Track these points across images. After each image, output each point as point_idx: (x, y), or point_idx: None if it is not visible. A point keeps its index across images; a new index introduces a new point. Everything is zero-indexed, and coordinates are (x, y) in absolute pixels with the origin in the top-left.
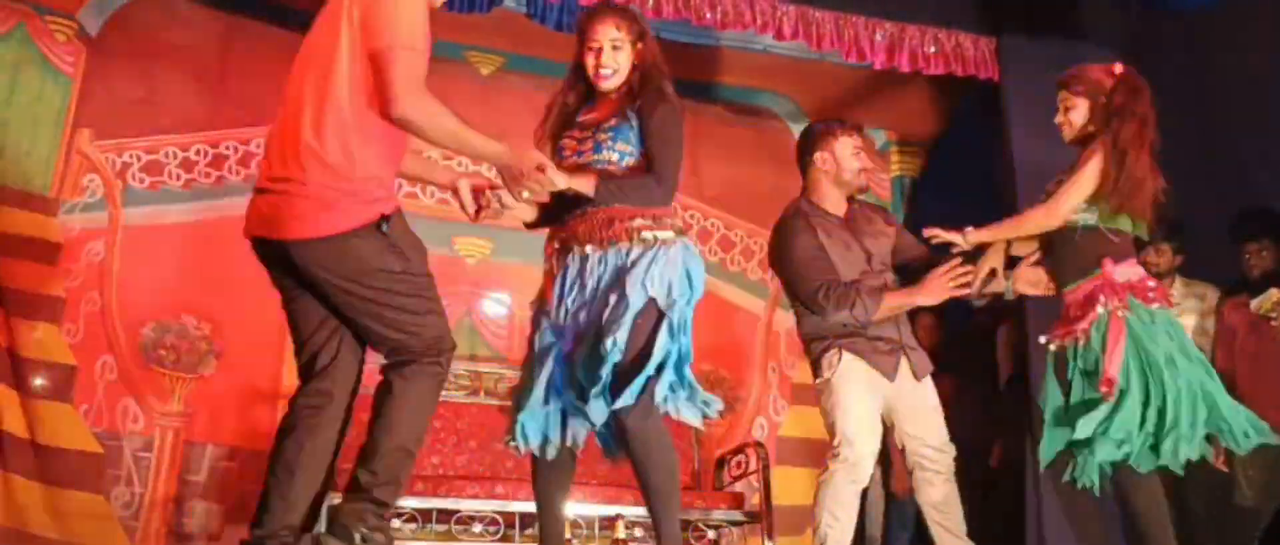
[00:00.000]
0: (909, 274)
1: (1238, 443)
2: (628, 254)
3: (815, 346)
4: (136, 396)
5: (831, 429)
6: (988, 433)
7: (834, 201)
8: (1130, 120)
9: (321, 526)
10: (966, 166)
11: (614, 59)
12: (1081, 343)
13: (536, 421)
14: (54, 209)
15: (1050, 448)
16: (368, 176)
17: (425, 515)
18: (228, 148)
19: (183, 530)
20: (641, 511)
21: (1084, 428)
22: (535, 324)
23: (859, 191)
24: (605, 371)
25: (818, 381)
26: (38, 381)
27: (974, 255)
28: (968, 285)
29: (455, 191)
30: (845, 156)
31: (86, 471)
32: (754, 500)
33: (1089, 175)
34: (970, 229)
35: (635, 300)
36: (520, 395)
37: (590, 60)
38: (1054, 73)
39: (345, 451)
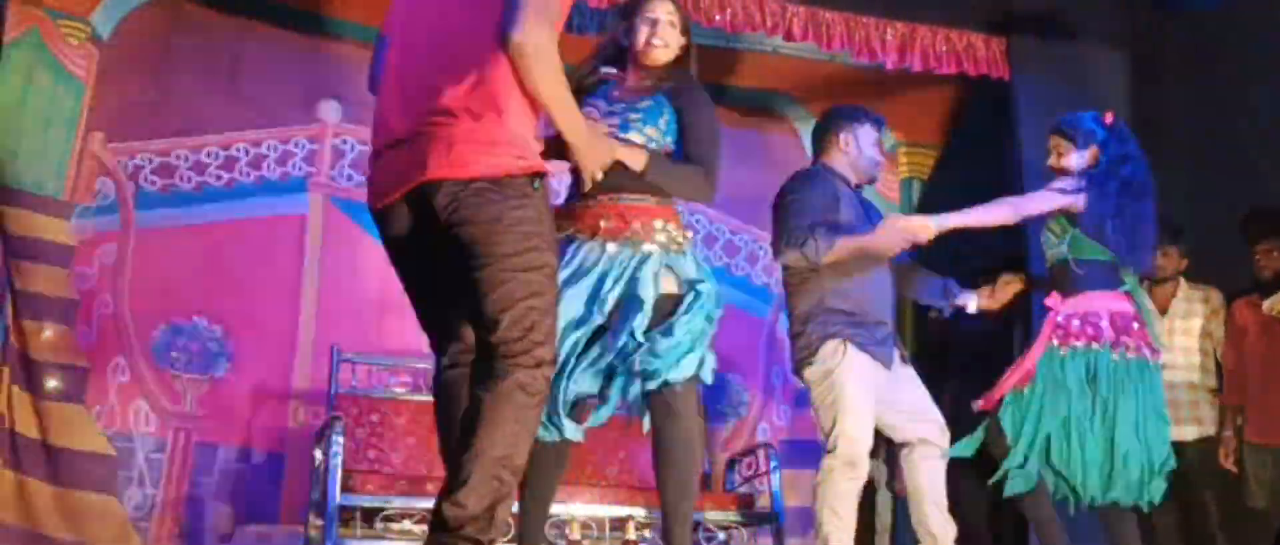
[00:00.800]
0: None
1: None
2: (651, 252)
3: (812, 329)
4: (148, 398)
5: (830, 423)
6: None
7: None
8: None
9: None
10: (976, 168)
11: (670, 34)
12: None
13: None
14: (67, 212)
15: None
16: None
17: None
18: (239, 150)
19: (194, 531)
20: (650, 514)
21: (965, 447)
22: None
23: (868, 182)
24: (666, 358)
25: (810, 369)
26: (50, 383)
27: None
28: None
29: None
30: (867, 144)
31: (99, 473)
32: (763, 501)
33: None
34: (934, 219)
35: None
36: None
37: (644, 31)
38: (1064, 73)
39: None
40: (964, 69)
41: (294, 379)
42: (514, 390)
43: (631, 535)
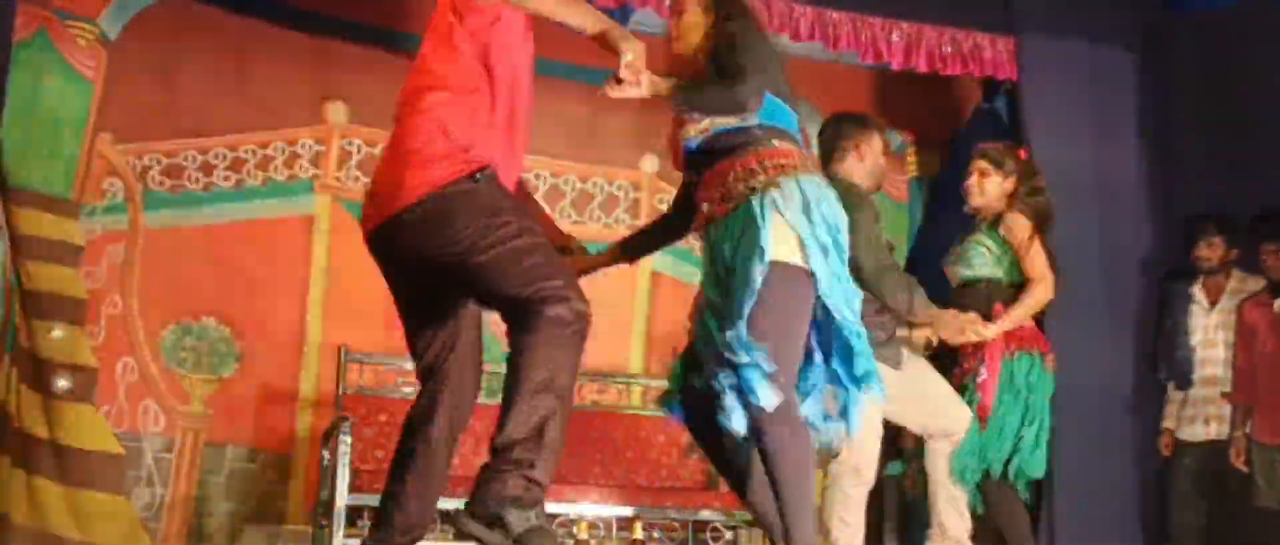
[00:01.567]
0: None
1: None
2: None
3: None
4: (157, 398)
5: None
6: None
7: None
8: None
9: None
10: None
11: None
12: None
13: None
14: (75, 212)
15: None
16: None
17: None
18: (247, 151)
19: (203, 531)
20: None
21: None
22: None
23: (873, 190)
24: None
25: None
26: (60, 383)
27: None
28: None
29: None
30: (876, 154)
31: (107, 472)
32: None
33: (1037, 250)
34: (991, 326)
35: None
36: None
37: (671, 24)
38: (1073, 72)
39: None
40: (970, 70)
41: (302, 379)
42: (544, 325)
43: (638, 534)
